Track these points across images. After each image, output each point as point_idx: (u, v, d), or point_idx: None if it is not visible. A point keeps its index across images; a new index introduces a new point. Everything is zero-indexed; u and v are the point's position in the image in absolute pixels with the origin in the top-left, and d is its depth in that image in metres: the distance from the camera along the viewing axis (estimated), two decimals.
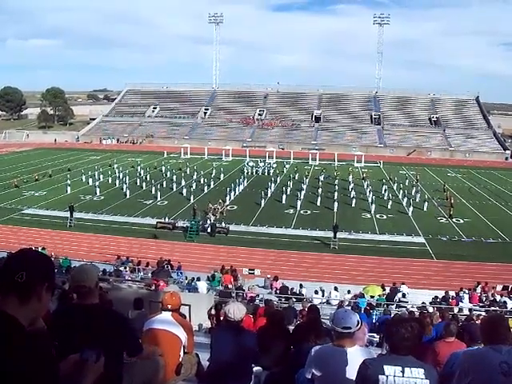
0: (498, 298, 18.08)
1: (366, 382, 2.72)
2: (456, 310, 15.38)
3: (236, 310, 4.20)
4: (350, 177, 44.22)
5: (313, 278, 21.63)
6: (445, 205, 35.47)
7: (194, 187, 39.46)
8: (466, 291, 18.95)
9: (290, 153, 59.62)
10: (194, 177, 43.90)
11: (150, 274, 19.17)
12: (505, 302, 16.94)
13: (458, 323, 9.42)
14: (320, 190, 38.05)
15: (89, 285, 2.92)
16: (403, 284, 19.44)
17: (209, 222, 28.66)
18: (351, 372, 3.03)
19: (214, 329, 9.10)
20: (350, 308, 12.25)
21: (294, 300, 14.60)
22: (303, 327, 5.31)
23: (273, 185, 40.58)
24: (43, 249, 20.68)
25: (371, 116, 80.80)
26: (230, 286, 17.82)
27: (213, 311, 12.13)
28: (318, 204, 35.38)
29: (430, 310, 13.52)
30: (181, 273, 20.36)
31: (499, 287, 20.20)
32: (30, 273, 1.79)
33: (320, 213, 33.35)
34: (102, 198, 36.76)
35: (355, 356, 3.13)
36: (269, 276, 20.40)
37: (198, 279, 18.30)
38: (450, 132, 75.14)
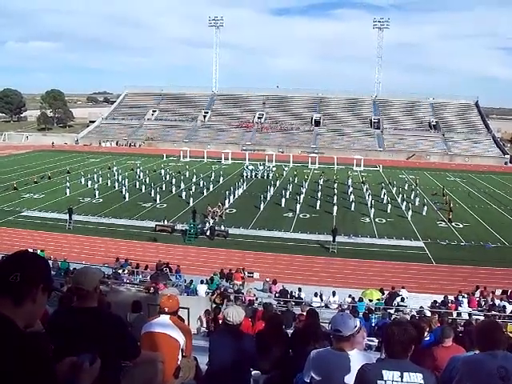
0: (497, 302, 18.04)
1: None
2: (455, 314, 15.36)
3: (235, 314, 4.19)
4: (350, 180, 44.25)
5: (312, 281, 21.57)
6: (444, 209, 35.50)
7: (193, 190, 39.48)
8: (465, 295, 18.93)
9: (289, 156, 59.68)
10: (194, 180, 43.94)
11: (148, 277, 19.14)
12: (504, 307, 16.91)
13: (457, 328, 9.41)
14: (319, 194, 38.05)
15: (87, 288, 2.92)
16: (403, 288, 19.41)
17: (208, 225, 28.65)
18: (350, 376, 3.02)
19: (213, 332, 9.08)
20: (348, 312, 12.22)
21: (293, 304, 14.56)
22: (302, 331, 5.30)
23: (272, 188, 40.59)
24: (42, 251, 20.64)
25: (371, 120, 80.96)
26: (239, 283, 19.23)
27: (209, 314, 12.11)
28: (317, 208, 35.36)
29: (428, 314, 13.49)
30: (179, 276, 20.34)
31: (498, 291, 20.18)
32: (24, 274, 1.78)
33: (319, 216, 33.34)
34: (101, 200, 36.72)
35: (354, 360, 3.12)
36: (268, 279, 20.41)
37: (202, 282, 18.47)
38: (449, 136, 75.29)
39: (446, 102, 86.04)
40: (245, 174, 48.51)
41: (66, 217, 29.70)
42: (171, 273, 20.54)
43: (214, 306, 13.06)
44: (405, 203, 36.36)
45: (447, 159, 68.76)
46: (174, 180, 42.85)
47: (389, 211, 34.86)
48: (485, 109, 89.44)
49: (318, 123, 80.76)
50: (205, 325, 12.12)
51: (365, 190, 41.12)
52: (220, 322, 9.37)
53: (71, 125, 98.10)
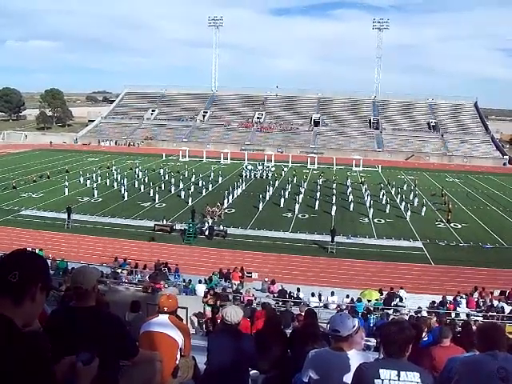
0: (495, 303, 18.07)
1: None
2: (453, 314, 15.37)
3: (233, 314, 4.19)
4: (349, 181, 44.25)
5: (310, 281, 21.58)
6: (443, 209, 35.53)
7: (192, 190, 39.47)
8: (463, 296, 18.95)
9: (288, 156, 59.68)
10: (193, 179, 43.93)
11: (147, 277, 19.13)
12: (502, 308, 16.93)
13: (455, 328, 9.42)
14: (318, 194, 38.07)
15: (85, 287, 2.93)
16: (402, 288, 19.44)
17: (207, 224, 28.65)
18: (348, 376, 3.02)
19: (212, 332, 9.07)
20: (346, 312, 12.22)
21: (292, 304, 14.58)
22: (300, 331, 5.30)
23: (271, 188, 40.57)
24: (41, 250, 20.61)
25: (370, 120, 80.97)
26: (237, 283, 19.40)
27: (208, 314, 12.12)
28: (316, 208, 35.36)
29: (425, 314, 13.51)
30: (178, 275, 20.34)
31: (496, 292, 20.20)
32: (22, 273, 1.78)
33: (318, 217, 33.34)
34: (100, 199, 36.70)
35: (352, 360, 3.13)
36: (266, 279, 20.41)
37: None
38: (448, 137, 75.32)
39: (445, 102, 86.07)
40: (244, 174, 48.52)
41: (65, 216, 29.67)
42: (170, 272, 20.56)
43: (207, 307, 13.04)
44: (404, 204, 36.37)
45: (446, 160, 68.78)
46: (173, 179, 42.84)
47: (388, 211, 34.87)
48: (484, 110, 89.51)
49: (317, 123, 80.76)
50: (196, 326, 12.12)
51: (364, 191, 41.15)
52: (218, 321, 9.38)
53: (70, 124, 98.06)
